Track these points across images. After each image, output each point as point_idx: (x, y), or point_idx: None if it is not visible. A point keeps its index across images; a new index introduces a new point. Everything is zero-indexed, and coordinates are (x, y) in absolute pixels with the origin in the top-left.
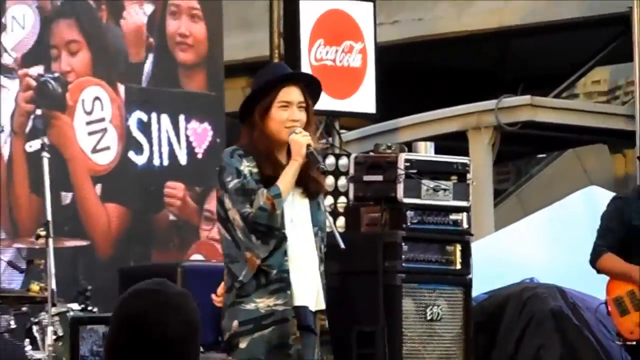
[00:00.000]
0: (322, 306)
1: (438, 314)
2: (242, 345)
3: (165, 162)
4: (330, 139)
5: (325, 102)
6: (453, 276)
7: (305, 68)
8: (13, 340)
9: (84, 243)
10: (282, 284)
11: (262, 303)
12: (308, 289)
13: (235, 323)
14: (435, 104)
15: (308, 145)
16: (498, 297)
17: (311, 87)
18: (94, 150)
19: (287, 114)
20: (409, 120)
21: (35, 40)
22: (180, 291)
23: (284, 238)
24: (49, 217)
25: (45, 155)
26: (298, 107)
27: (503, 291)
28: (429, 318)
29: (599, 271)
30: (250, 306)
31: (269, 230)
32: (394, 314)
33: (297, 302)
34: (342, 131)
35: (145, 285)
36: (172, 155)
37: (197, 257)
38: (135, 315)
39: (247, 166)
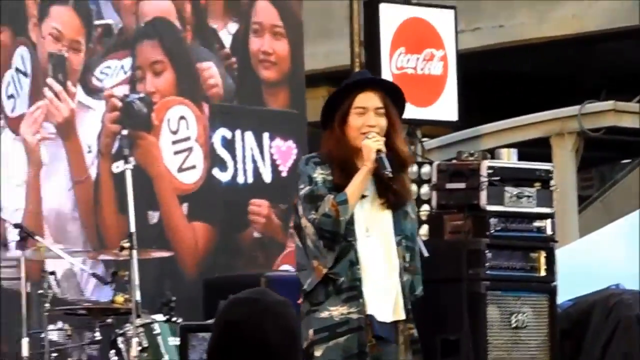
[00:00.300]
0: (402, 316)
1: (523, 321)
2: (317, 353)
3: (250, 180)
4: (412, 147)
5: (407, 110)
6: (538, 283)
7: (387, 76)
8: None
9: (168, 254)
10: (354, 292)
11: (336, 311)
12: (382, 298)
13: (311, 332)
14: (518, 110)
15: (378, 151)
16: (584, 303)
17: (393, 94)
18: (180, 170)
19: (362, 119)
20: (491, 127)
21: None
22: (279, 299)
23: (349, 246)
24: (133, 229)
25: (129, 167)
26: (375, 113)
27: (589, 298)
28: (513, 325)
29: None
30: (325, 314)
31: (334, 237)
32: (478, 322)
33: (369, 310)
34: (424, 139)
35: (245, 293)
36: (257, 172)
37: (286, 267)
38: (235, 321)
39: (320, 174)
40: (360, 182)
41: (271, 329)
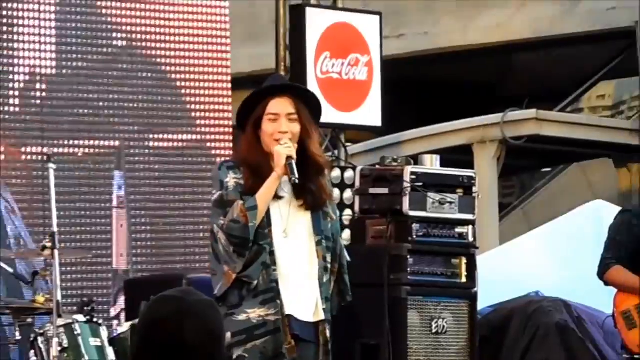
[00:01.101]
0: (322, 316)
1: (443, 327)
2: (235, 355)
3: None
4: (336, 152)
5: (331, 115)
6: (458, 289)
7: (312, 81)
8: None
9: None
10: (271, 294)
11: (254, 313)
12: (301, 299)
13: (229, 334)
14: (441, 117)
15: (288, 157)
16: (503, 310)
17: (307, 99)
18: None
19: (275, 125)
20: (414, 133)
21: None
22: (203, 299)
23: (262, 249)
24: (55, 229)
25: (51, 166)
26: (288, 118)
27: (508, 304)
28: (434, 331)
29: (606, 284)
30: (242, 317)
31: (242, 243)
32: (399, 327)
33: (289, 311)
34: (347, 144)
35: (169, 292)
36: None
37: None
38: (155, 320)
39: (233, 178)
40: (269, 188)
41: (190, 328)
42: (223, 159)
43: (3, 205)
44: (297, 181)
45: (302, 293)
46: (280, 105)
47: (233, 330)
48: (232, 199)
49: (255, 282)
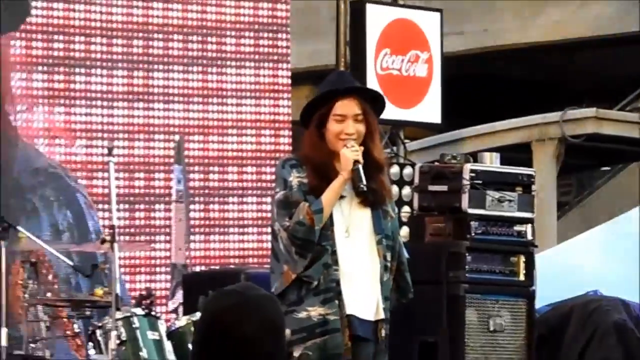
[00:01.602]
0: (382, 315)
1: (501, 325)
2: (296, 353)
3: None
4: (394, 149)
5: (390, 112)
6: (516, 287)
7: (371, 77)
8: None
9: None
10: (331, 294)
11: (315, 312)
12: (363, 298)
13: (288, 331)
14: (500, 114)
15: (355, 162)
16: (561, 309)
17: (372, 97)
18: None
19: (341, 127)
20: (473, 130)
21: None
22: (264, 294)
23: (324, 250)
24: (114, 222)
25: (112, 160)
26: (354, 120)
27: (566, 303)
28: (491, 329)
29: None
30: (303, 315)
31: (305, 244)
32: (457, 325)
33: (350, 310)
34: (406, 141)
35: (229, 287)
36: None
37: None
38: (215, 314)
39: (296, 177)
40: (335, 192)
41: (252, 322)
42: (285, 155)
43: (82, 201)
44: (364, 189)
45: (363, 292)
46: (348, 107)
47: (293, 328)
48: (297, 200)
49: (316, 282)
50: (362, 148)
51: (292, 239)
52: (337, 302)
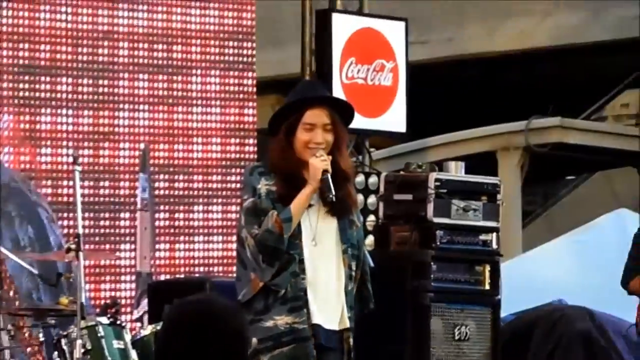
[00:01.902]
0: (347, 324)
1: (466, 333)
2: None
3: None
4: (360, 157)
5: (356, 121)
6: (482, 296)
7: (337, 86)
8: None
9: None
10: (299, 303)
11: (281, 320)
12: (328, 307)
13: (255, 340)
14: (465, 124)
15: (324, 171)
16: (526, 318)
17: (342, 108)
18: None
19: (310, 135)
20: (439, 139)
21: None
22: (228, 304)
23: (292, 259)
24: (80, 231)
25: (77, 168)
26: (323, 129)
27: (531, 312)
28: (457, 338)
29: (630, 292)
30: (269, 323)
31: (275, 253)
32: (422, 334)
33: (316, 319)
34: (372, 149)
35: (193, 296)
36: None
37: None
38: (178, 323)
39: (265, 185)
40: (304, 201)
41: (212, 330)
42: (253, 163)
43: (44, 215)
44: (333, 199)
45: (329, 301)
46: (317, 116)
47: (260, 337)
48: (265, 207)
49: (283, 291)
50: (330, 157)
51: (261, 247)
52: (305, 310)
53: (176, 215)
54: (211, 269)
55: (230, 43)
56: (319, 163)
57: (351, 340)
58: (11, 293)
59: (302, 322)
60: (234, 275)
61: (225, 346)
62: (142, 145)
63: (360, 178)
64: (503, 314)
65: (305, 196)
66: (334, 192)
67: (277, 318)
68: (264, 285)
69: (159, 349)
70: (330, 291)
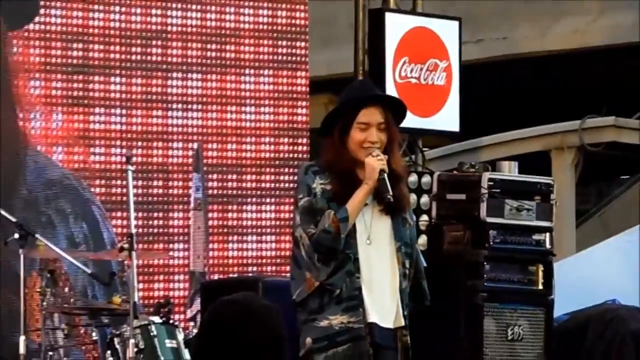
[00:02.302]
0: (402, 323)
1: (519, 334)
2: None
3: None
4: (413, 157)
5: (409, 120)
6: (535, 296)
7: (390, 85)
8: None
9: None
10: (354, 302)
11: (336, 320)
12: (384, 306)
13: (309, 340)
14: (519, 123)
15: (381, 171)
16: (580, 318)
17: (395, 106)
18: None
19: (365, 135)
20: (492, 139)
21: None
22: (265, 304)
23: (347, 258)
24: (132, 230)
25: (130, 168)
26: (378, 128)
27: (585, 312)
28: (510, 338)
29: None
30: (324, 323)
31: (331, 252)
32: (475, 334)
33: (371, 319)
34: (425, 149)
35: (233, 296)
36: None
37: None
38: (218, 322)
39: (320, 184)
40: (361, 200)
41: (252, 330)
42: (307, 162)
43: (97, 212)
44: (391, 199)
45: (384, 300)
46: (372, 115)
47: (314, 336)
48: (321, 207)
49: (339, 290)
50: (386, 157)
51: (317, 246)
52: (360, 310)
53: (229, 214)
54: (263, 268)
55: (283, 42)
56: (375, 163)
57: (407, 338)
58: (66, 290)
59: (358, 322)
60: (287, 274)
61: (264, 344)
62: (195, 145)
63: (413, 177)
64: (556, 314)
65: (362, 196)
66: (391, 192)
67: (332, 318)
68: (320, 284)
69: (196, 348)
70: (385, 290)
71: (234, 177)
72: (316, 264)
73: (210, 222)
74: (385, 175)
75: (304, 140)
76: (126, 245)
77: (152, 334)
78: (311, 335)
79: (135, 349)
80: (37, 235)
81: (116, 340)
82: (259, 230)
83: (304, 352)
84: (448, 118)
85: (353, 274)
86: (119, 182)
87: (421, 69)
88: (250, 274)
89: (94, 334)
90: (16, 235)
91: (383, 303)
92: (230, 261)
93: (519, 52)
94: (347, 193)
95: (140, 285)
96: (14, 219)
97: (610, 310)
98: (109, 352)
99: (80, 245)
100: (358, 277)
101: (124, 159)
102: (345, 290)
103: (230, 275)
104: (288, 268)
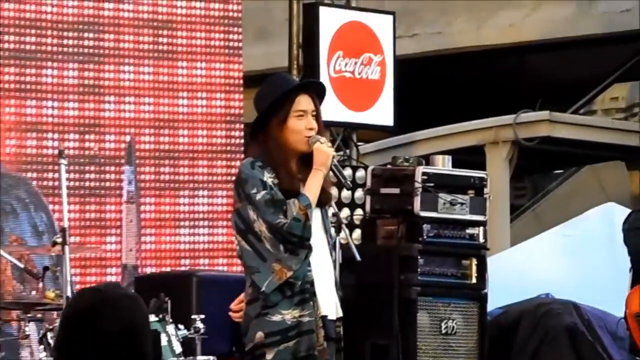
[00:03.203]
0: (340, 313)
1: (453, 327)
2: (269, 356)
3: None
4: (347, 151)
5: (343, 114)
6: (468, 290)
7: (324, 79)
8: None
9: None
10: (306, 295)
11: (289, 314)
12: (329, 298)
13: (260, 334)
14: (453, 117)
15: (333, 157)
16: (513, 312)
17: (322, 93)
18: None
19: (303, 123)
20: (426, 133)
21: None
22: (126, 293)
23: (310, 248)
24: (66, 224)
25: (63, 162)
26: (312, 115)
27: (518, 306)
28: (443, 332)
29: None
30: (277, 318)
31: (301, 241)
32: (408, 327)
33: (322, 312)
34: (359, 143)
35: (92, 285)
36: None
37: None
38: (74, 311)
39: (269, 177)
40: (317, 187)
41: (108, 319)
42: (248, 159)
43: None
44: (350, 184)
45: (328, 291)
46: (307, 103)
47: (266, 331)
48: (281, 198)
49: (299, 282)
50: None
51: (289, 236)
52: (311, 303)
53: (161, 207)
54: (196, 260)
55: (217, 29)
56: (327, 149)
57: (341, 329)
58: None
59: (310, 315)
60: (220, 267)
61: (120, 333)
62: (127, 138)
63: (347, 172)
64: (490, 308)
65: (318, 181)
66: (348, 178)
67: (285, 312)
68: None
69: (58, 338)
70: (327, 281)
71: (168, 168)
72: (284, 254)
73: (143, 215)
74: (337, 161)
75: (238, 133)
76: (59, 240)
77: None
78: (264, 329)
79: None
80: None
81: (49, 334)
82: (193, 222)
83: (252, 346)
84: (382, 112)
85: (309, 265)
86: (51, 173)
87: (355, 63)
88: (183, 267)
89: (27, 328)
90: None
91: (327, 295)
92: (164, 254)
93: (453, 46)
94: (290, 185)
95: (75, 278)
96: None
97: (543, 304)
98: (41, 347)
99: (44, 234)
100: (309, 270)
101: (56, 152)
102: (300, 283)
103: (164, 269)
104: (221, 261)
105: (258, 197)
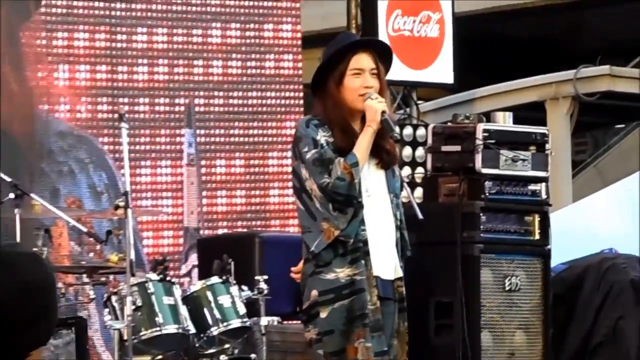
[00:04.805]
0: (400, 273)
1: (516, 284)
2: (323, 315)
3: None
4: (407, 110)
5: (403, 73)
6: (532, 247)
7: (383, 38)
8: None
9: None
10: (360, 254)
11: (342, 273)
12: (386, 258)
13: (315, 293)
14: (513, 74)
15: (383, 112)
16: (577, 267)
17: (383, 54)
18: None
19: (360, 81)
20: (486, 90)
21: None
22: (24, 252)
23: (360, 206)
24: (128, 188)
25: (124, 125)
26: (370, 74)
27: (582, 262)
28: (507, 289)
29: None
30: (330, 276)
31: (347, 200)
32: (472, 285)
33: (376, 271)
34: (419, 102)
35: None
36: None
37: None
38: None
39: (323, 136)
40: (367, 144)
41: (5, 276)
42: (305, 117)
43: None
44: (398, 137)
45: (385, 251)
46: (364, 61)
47: (320, 289)
48: (330, 157)
49: (351, 240)
50: (384, 99)
51: (334, 195)
52: (363, 262)
53: (215, 169)
54: (251, 222)
55: None
56: (376, 104)
57: (403, 289)
58: (64, 248)
59: (361, 274)
60: (275, 228)
61: (11, 294)
62: (186, 101)
63: (408, 130)
64: (553, 264)
65: (368, 139)
66: (397, 130)
67: (339, 270)
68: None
69: None
70: (385, 241)
71: (221, 131)
72: (332, 213)
73: (207, 177)
74: (387, 116)
75: (295, 94)
76: (122, 203)
77: (149, 291)
78: (317, 288)
79: (133, 307)
80: (33, 195)
81: (113, 298)
82: (247, 184)
83: (308, 305)
84: (442, 70)
85: (362, 224)
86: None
87: (414, 22)
88: (240, 229)
89: (91, 292)
90: (11, 195)
91: (384, 255)
92: (219, 216)
93: (512, 2)
94: (351, 144)
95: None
96: (8, 179)
97: (607, 259)
98: (106, 310)
99: (103, 194)
100: (364, 230)
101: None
102: (352, 242)
103: (223, 231)
104: (275, 222)
105: (308, 155)
